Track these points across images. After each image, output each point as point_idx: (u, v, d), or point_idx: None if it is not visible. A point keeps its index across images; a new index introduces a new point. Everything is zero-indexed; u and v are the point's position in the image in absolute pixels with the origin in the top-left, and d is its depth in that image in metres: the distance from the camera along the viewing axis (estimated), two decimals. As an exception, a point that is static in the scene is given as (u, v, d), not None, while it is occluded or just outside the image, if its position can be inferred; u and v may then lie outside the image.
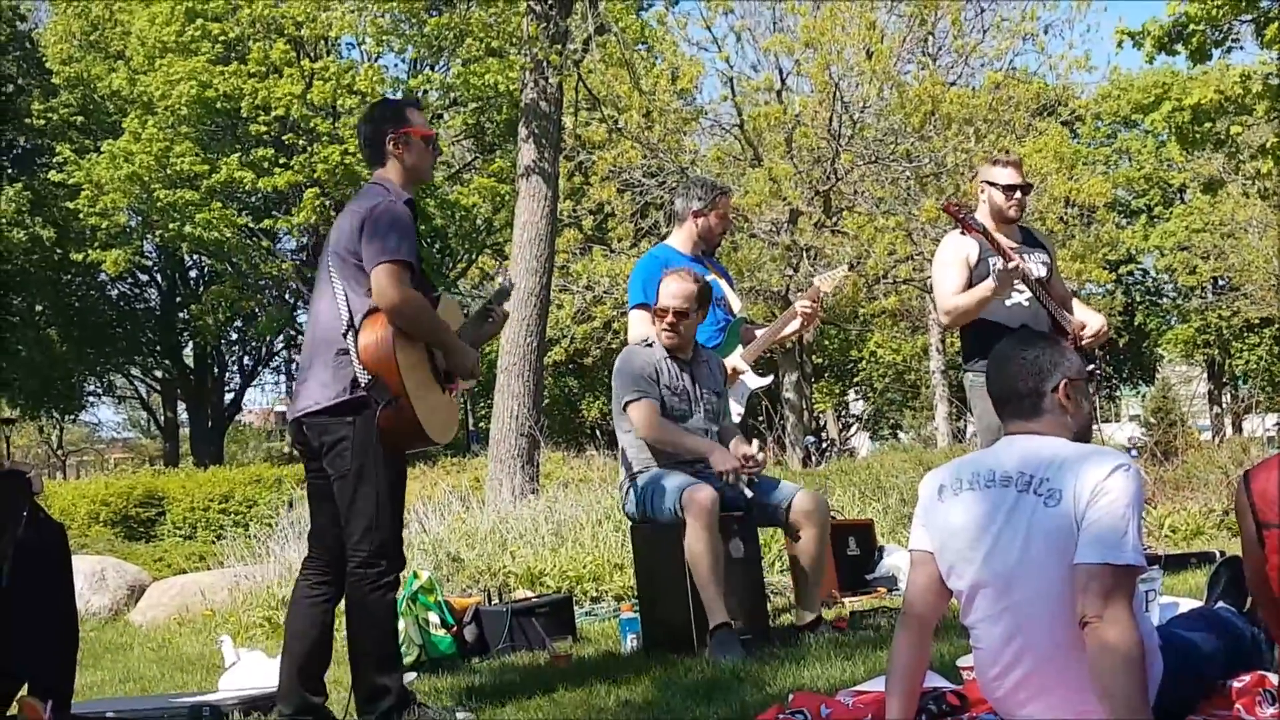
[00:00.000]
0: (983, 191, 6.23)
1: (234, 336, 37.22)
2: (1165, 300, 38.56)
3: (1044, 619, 3.12)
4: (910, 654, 3.39)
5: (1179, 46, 19.06)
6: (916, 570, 3.44)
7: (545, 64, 12.28)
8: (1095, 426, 3.06)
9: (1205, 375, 38.48)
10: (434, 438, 4.51)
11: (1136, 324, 36.54)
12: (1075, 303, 6.36)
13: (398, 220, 4.46)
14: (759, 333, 6.56)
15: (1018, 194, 6.14)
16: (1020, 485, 3.19)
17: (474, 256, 30.62)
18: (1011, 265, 5.86)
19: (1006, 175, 6.14)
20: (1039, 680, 3.17)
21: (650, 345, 5.72)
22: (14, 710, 4.41)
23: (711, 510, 5.24)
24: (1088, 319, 6.16)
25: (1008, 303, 6.03)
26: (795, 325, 6.59)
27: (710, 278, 6.30)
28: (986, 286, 5.94)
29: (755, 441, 5.80)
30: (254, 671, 5.70)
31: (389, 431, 4.39)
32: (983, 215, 6.23)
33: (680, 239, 6.47)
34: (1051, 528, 3.10)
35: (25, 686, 4.47)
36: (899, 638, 3.43)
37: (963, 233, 6.03)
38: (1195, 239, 32.13)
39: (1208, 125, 21.56)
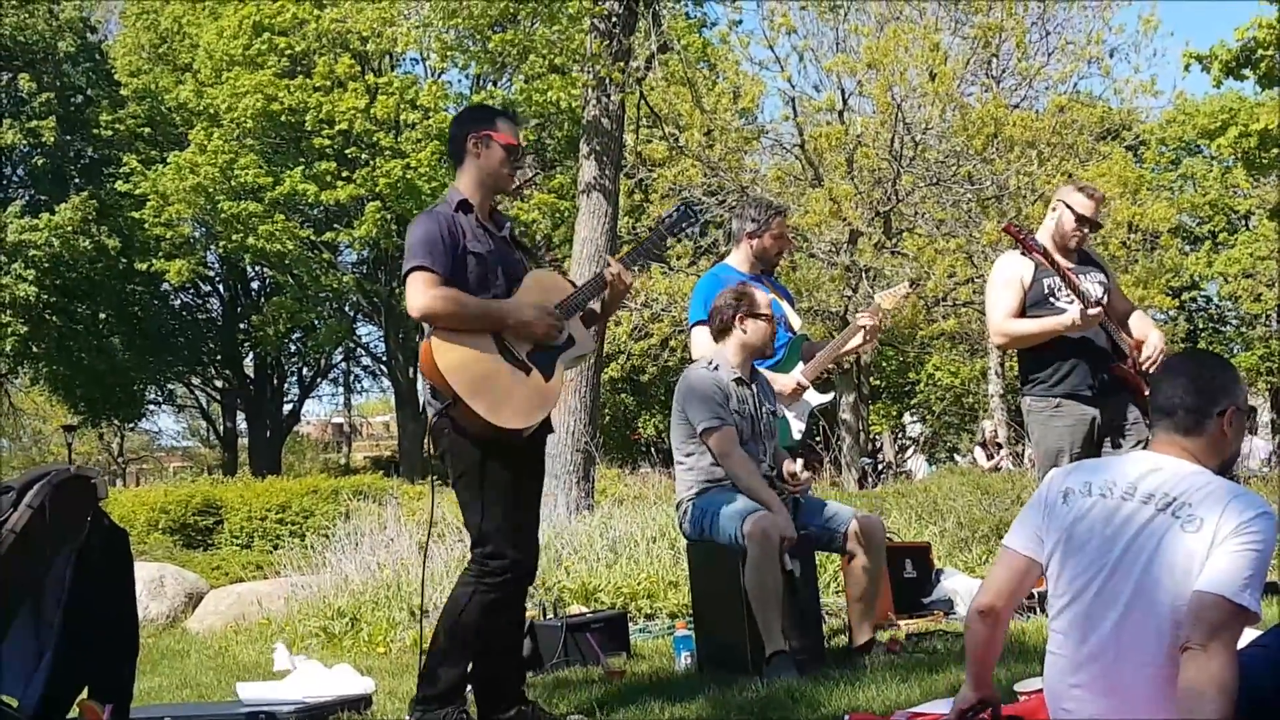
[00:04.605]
0: (1054, 209, 6.17)
1: (293, 348, 37.48)
2: (1229, 328, 38.07)
3: (1149, 638, 3.09)
4: (985, 641, 3.40)
5: (1247, 71, 18.88)
6: (1002, 568, 3.42)
7: (608, 81, 12.32)
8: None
9: (1269, 404, 37.96)
10: (505, 425, 4.48)
11: (1199, 350, 36.04)
12: (1137, 317, 6.26)
13: (419, 228, 4.58)
14: (820, 350, 6.54)
15: (1087, 228, 6.10)
16: (1160, 504, 3.15)
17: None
18: (1093, 312, 5.81)
19: (1086, 206, 6.09)
20: (1119, 697, 3.13)
21: (716, 368, 5.69)
22: (74, 713, 4.45)
23: (774, 539, 5.22)
24: (1146, 332, 6.07)
25: (1065, 325, 5.98)
26: (857, 341, 6.58)
27: (770, 297, 6.29)
28: (1055, 323, 5.90)
29: (800, 460, 5.76)
30: (309, 681, 5.73)
31: (466, 432, 4.50)
32: (1044, 233, 6.18)
33: (738, 259, 6.49)
34: (1183, 552, 3.07)
35: (86, 690, 4.51)
36: (973, 629, 3.43)
37: (1024, 254, 6.00)
38: (1260, 266, 31.73)
39: (1275, 151, 21.34)
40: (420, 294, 4.46)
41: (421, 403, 4.71)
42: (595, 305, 4.93)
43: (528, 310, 4.59)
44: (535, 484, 4.88)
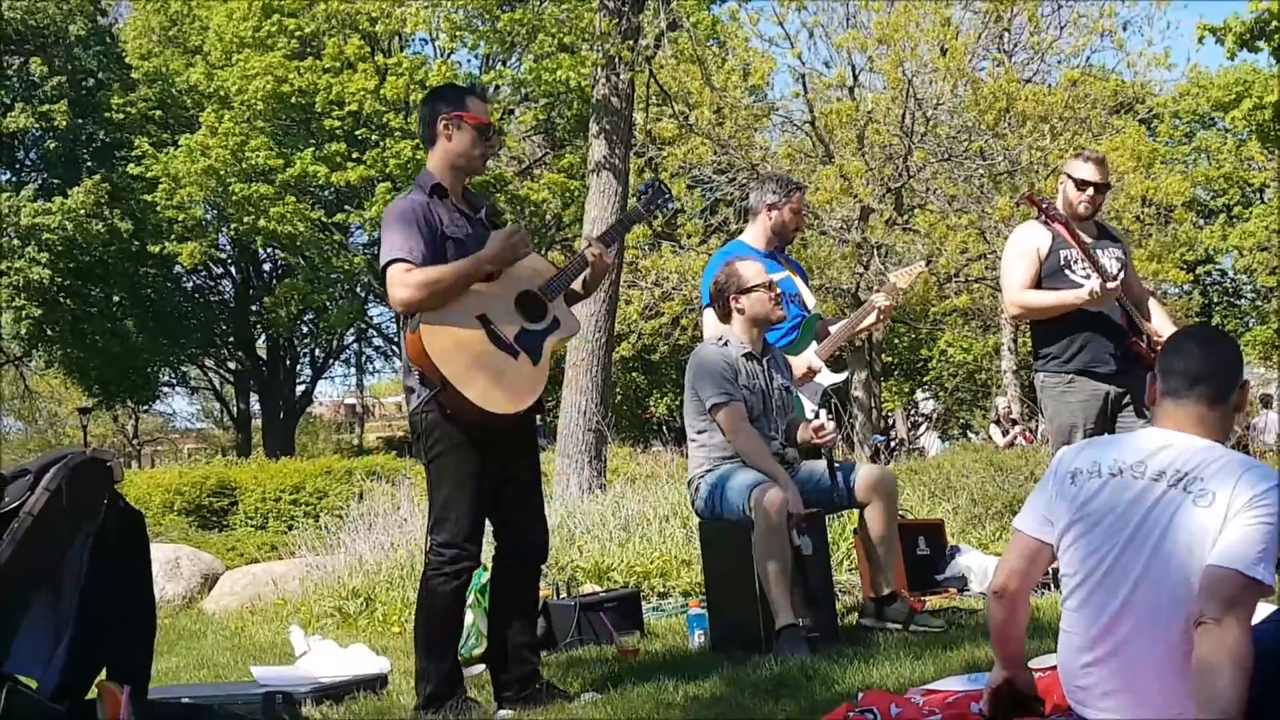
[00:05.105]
0: (1062, 183, 6.18)
1: (306, 329, 37.55)
2: (1244, 301, 37.98)
3: (1162, 615, 3.09)
4: (1004, 622, 3.41)
5: (1261, 43, 18.77)
6: (1013, 550, 3.42)
7: (617, 60, 12.28)
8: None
9: (1284, 378, 37.86)
10: (496, 410, 4.47)
11: (1214, 325, 35.98)
12: (1154, 306, 6.25)
13: (393, 218, 4.53)
14: (833, 329, 6.53)
15: (1090, 190, 6.07)
16: (1171, 481, 3.14)
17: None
18: (1111, 286, 5.79)
19: (1085, 170, 6.07)
20: (1133, 674, 3.13)
21: (726, 344, 5.70)
22: (93, 694, 4.47)
23: (780, 512, 5.23)
24: (1164, 330, 6.03)
25: (1082, 298, 5.96)
26: (870, 320, 6.56)
27: (784, 274, 6.28)
28: (1072, 296, 5.88)
29: (824, 411, 5.76)
30: (325, 661, 5.75)
31: (452, 417, 4.49)
32: (1060, 208, 6.17)
33: (754, 234, 6.47)
34: (1195, 527, 3.06)
35: (104, 671, 4.54)
36: (991, 611, 3.44)
37: (1046, 223, 5.99)
38: (1275, 239, 31.61)
39: (1289, 124, 21.22)
40: (400, 288, 4.44)
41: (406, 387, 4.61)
42: (577, 285, 4.93)
43: (492, 245, 4.56)
44: (530, 464, 4.86)
